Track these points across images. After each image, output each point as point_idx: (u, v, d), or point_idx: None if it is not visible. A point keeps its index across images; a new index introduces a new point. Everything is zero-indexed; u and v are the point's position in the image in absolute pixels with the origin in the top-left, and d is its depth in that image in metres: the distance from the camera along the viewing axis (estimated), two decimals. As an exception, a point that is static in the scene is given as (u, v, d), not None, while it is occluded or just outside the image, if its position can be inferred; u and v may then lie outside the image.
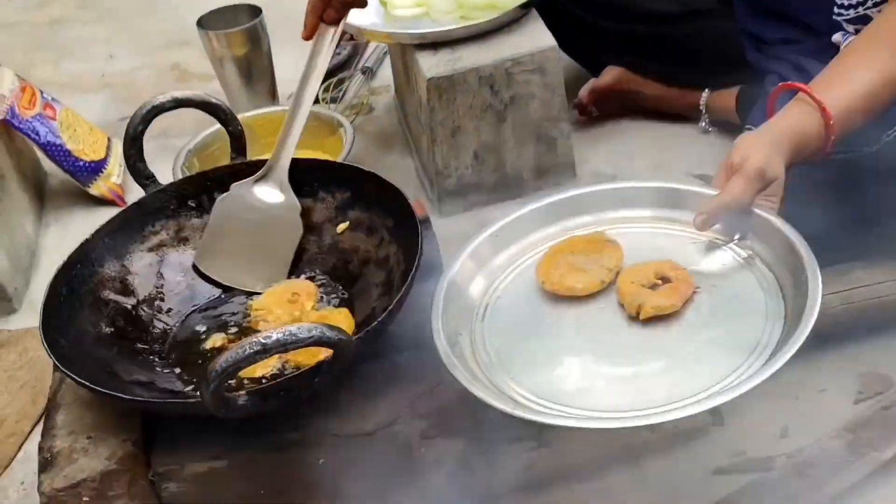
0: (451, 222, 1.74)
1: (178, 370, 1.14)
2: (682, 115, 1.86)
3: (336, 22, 1.28)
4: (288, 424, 1.07)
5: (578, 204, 1.19)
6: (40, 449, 1.07)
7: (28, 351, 1.59)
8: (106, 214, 1.97)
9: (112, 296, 1.19)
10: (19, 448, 1.40)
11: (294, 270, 1.27)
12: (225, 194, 1.23)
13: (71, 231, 1.92)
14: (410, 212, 1.15)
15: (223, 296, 1.25)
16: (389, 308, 1.02)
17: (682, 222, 1.14)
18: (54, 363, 1.02)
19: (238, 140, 1.31)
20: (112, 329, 1.16)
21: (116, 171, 1.98)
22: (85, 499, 1.03)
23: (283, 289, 1.20)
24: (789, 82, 1.20)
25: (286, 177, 1.23)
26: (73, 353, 1.08)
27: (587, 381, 0.98)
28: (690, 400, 0.91)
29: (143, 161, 1.28)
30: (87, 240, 1.21)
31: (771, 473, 1.11)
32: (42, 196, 2.01)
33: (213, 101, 1.29)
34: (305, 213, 1.29)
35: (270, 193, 1.25)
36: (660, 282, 1.06)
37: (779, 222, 1.06)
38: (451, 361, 0.97)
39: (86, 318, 1.15)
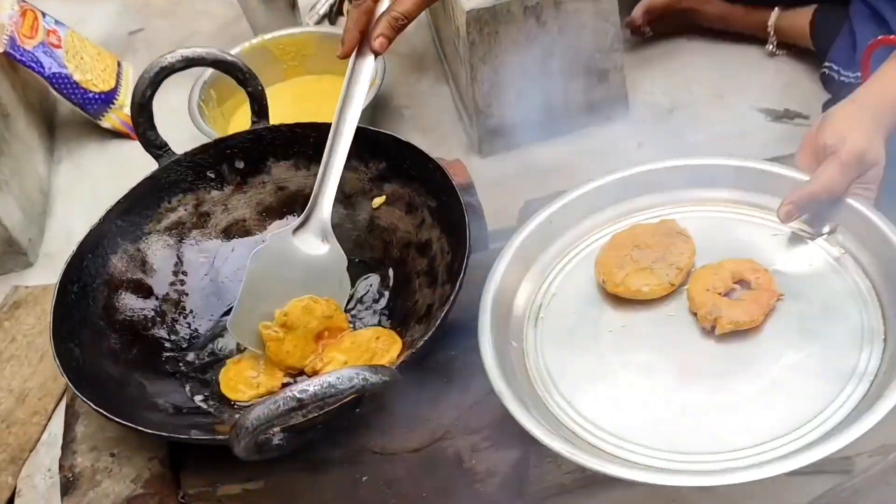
0: (493, 163, 1.60)
1: (205, 391, 1.03)
2: (747, 37, 1.67)
3: (382, 49, 1.00)
4: (326, 443, 0.97)
5: (644, 182, 1.05)
6: (61, 467, 0.99)
7: (46, 314, 1.49)
8: (119, 148, 1.87)
9: (128, 290, 1.08)
10: (43, 429, 1.33)
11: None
12: (259, 247, 1.03)
13: (84, 168, 1.81)
14: (455, 195, 1.02)
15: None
16: (432, 332, 0.90)
17: (763, 208, 1.00)
18: (67, 384, 0.92)
19: (259, 101, 1.16)
20: (131, 332, 1.06)
21: (128, 100, 1.84)
22: (111, 524, 0.96)
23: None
24: (891, 36, 1.03)
25: (329, 224, 1.04)
26: (88, 364, 0.98)
27: (656, 409, 0.86)
28: (781, 446, 0.80)
29: (154, 129, 1.14)
30: (97, 224, 1.09)
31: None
32: (52, 128, 1.88)
33: (229, 58, 1.14)
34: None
35: (312, 244, 1.05)
36: (737, 287, 0.93)
37: (877, 217, 0.92)
38: (501, 389, 0.86)
39: (101, 319, 1.04)
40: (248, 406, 0.78)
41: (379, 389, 0.78)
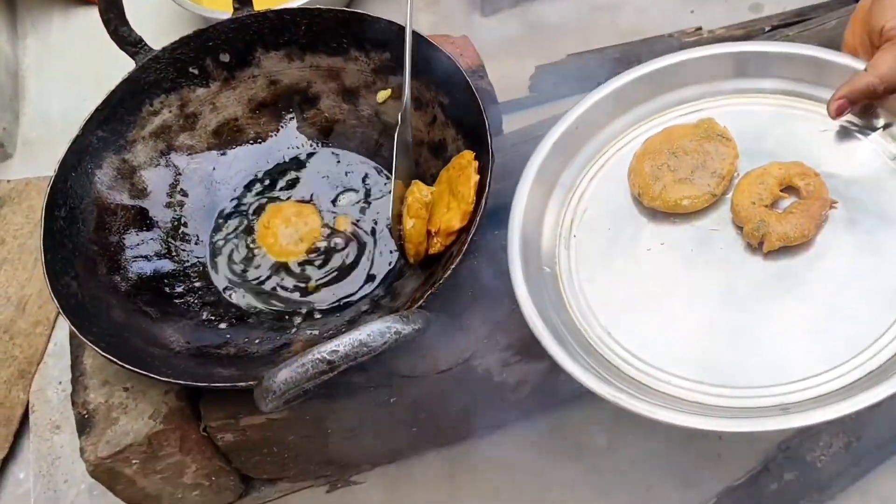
0: (497, 23, 1.48)
1: (217, 312, 0.97)
2: None
3: None
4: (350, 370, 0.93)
5: (679, 73, 0.95)
6: (74, 403, 0.95)
7: (35, 210, 1.42)
8: (87, 17, 1.72)
9: (121, 203, 1.00)
10: (48, 339, 1.28)
11: (325, 143, 1.07)
12: (399, 131, 0.95)
13: (52, 43, 1.67)
14: (471, 92, 0.92)
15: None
16: (453, 266, 0.83)
17: (810, 98, 0.91)
18: (70, 329, 0.86)
19: (240, -16, 1.03)
20: (129, 250, 0.98)
21: (88, -38, 1.67)
22: (135, 461, 0.93)
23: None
24: None
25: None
26: (89, 299, 0.92)
27: (702, 339, 0.80)
28: (837, 378, 0.74)
29: (127, 23, 1.02)
30: (76, 138, 0.99)
31: None
32: (12, 1, 1.72)
33: (202, -62, 1.00)
34: (335, 75, 1.06)
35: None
36: (785, 195, 0.85)
37: None
38: (537, 325, 0.80)
39: (94, 244, 0.97)
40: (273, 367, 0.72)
41: (413, 338, 0.72)
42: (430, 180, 0.99)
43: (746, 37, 1.32)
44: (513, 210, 0.87)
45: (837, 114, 0.85)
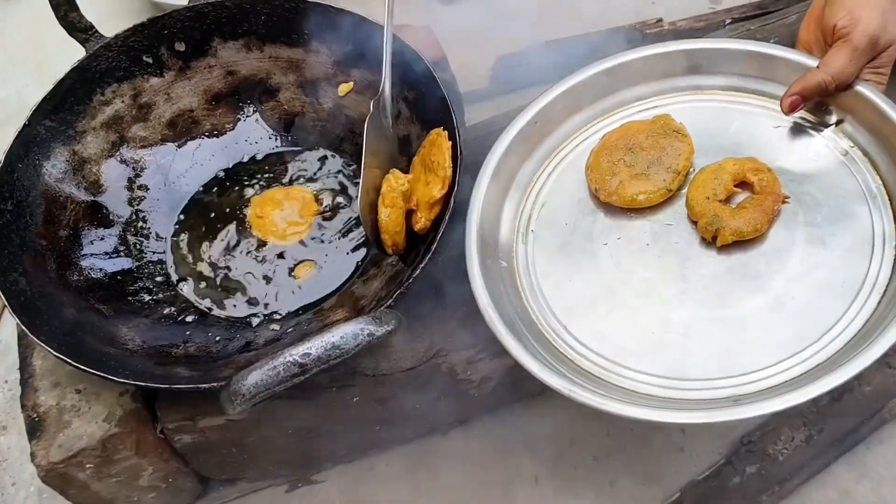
0: (457, 10, 1.45)
1: (176, 305, 0.94)
2: None
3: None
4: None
5: (635, 70, 0.95)
6: (23, 406, 0.91)
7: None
8: (28, 2, 1.65)
9: (71, 197, 0.96)
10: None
11: (287, 137, 1.04)
12: (368, 119, 0.90)
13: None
14: (437, 87, 0.91)
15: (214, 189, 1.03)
16: (424, 263, 0.81)
17: (764, 95, 0.92)
18: (18, 325, 0.83)
19: (194, -31, 1.00)
20: (81, 246, 0.95)
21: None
22: (88, 466, 0.90)
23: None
24: None
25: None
26: (38, 296, 0.88)
27: (657, 332, 0.81)
28: (788, 369, 0.75)
29: (76, 8, 0.98)
30: (23, 127, 0.95)
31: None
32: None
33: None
34: (295, 66, 1.03)
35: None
36: (738, 190, 0.85)
37: (889, 107, 0.84)
38: (493, 320, 0.80)
39: (42, 238, 0.93)
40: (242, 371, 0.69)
41: (384, 339, 0.71)
42: (394, 175, 0.97)
43: (707, 29, 1.32)
44: (471, 204, 0.87)
45: (790, 110, 0.86)
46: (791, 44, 0.99)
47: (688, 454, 1.00)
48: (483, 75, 1.34)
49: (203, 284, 0.96)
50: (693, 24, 1.35)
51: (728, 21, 1.33)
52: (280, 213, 0.98)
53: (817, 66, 0.85)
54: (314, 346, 0.67)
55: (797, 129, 0.89)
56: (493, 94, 1.32)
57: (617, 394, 0.76)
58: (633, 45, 1.30)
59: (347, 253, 0.96)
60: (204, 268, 0.97)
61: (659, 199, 0.87)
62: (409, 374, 0.92)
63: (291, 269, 0.95)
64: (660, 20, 1.36)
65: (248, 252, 0.97)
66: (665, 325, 0.80)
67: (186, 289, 0.96)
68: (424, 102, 0.93)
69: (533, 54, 1.33)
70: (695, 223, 0.85)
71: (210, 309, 0.94)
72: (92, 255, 0.96)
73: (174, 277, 0.96)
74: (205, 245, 0.99)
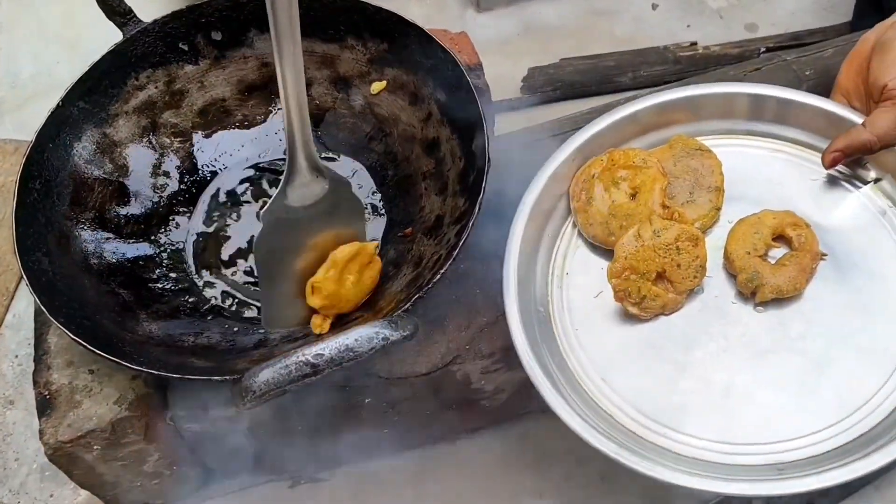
0: (492, 19, 1.46)
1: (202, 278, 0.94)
2: None
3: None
4: (328, 369, 0.90)
5: (681, 109, 0.92)
6: (35, 382, 0.91)
7: (3, 173, 1.37)
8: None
9: (98, 178, 0.96)
10: (6, 310, 1.24)
11: (315, 134, 1.03)
12: (258, 235, 0.85)
13: (27, 1, 1.60)
14: (470, 92, 0.90)
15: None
16: (442, 271, 0.81)
17: (801, 145, 0.90)
18: (36, 305, 0.83)
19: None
20: (104, 229, 0.95)
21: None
22: (96, 447, 0.90)
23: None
24: None
25: (315, 158, 0.82)
26: (60, 278, 0.88)
27: (698, 389, 0.78)
28: (833, 436, 0.74)
29: (116, -10, 0.98)
30: (56, 107, 0.95)
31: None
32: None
33: None
34: (329, 62, 1.03)
35: (308, 190, 0.84)
36: (777, 245, 0.84)
37: None
38: (536, 375, 0.77)
39: (67, 220, 0.93)
40: (253, 366, 0.69)
41: (401, 344, 0.70)
42: (421, 178, 0.97)
43: (741, 56, 1.32)
44: (508, 247, 0.84)
45: (831, 165, 0.85)
46: (826, 79, 0.97)
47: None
48: (513, 85, 1.34)
49: (222, 276, 0.95)
50: (728, 50, 1.34)
51: (763, 49, 1.32)
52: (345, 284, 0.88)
53: (863, 124, 0.83)
54: (328, 348, 0.66)
55: (834, 183, 0.87)
56: (523, 104, 1.32)
57: (656, 455, 0.74)
58: (665, 67, 1.30)
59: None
60: (224, 260, 0.97)
61: (712, 221, 0.86)
62: (424, 379, 0.91)
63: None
64: (694, 43, 1.36)
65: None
66: (705, 382, 0.79)
67: (205, 279, 0.95)
68: (456, 107, 0.92)
69: (566, 68, 1.33)
70: (732, 276, 0.83)
71: (227, 302, 0.94)
72: (116, 238, 0.96)
73: (193, 268, 0.96)
74: (226, 236, 0.98)
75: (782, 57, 1.14)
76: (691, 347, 0.80)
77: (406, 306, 0.80)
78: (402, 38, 0.97)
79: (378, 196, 1.00)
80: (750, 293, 0.82)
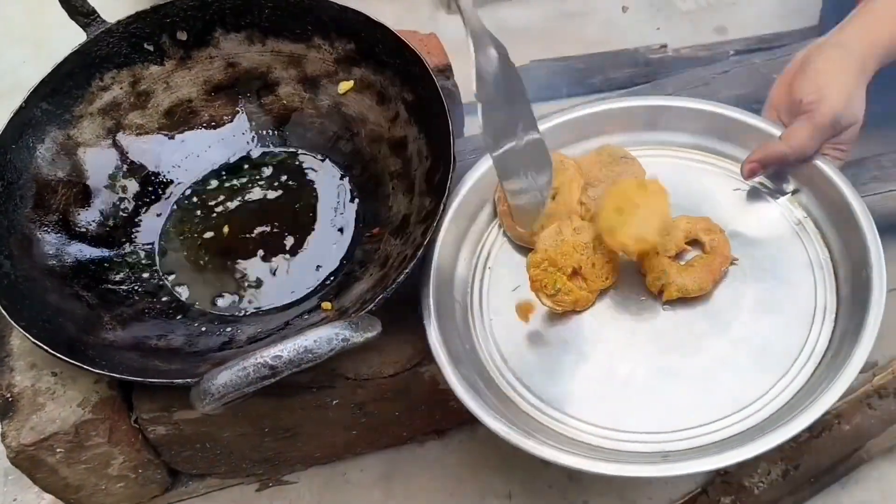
0: (460, 21, 1.45)
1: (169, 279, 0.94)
2: None
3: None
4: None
5: (601, 122, 0.95)
6: (-3, 386, 0.90)
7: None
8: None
9: (62, 181, 0.96)
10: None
11: (282, 134, 1.03)
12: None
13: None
14: (436, 92, 0.90)
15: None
16: (406, 270, 0.81)
17: (726, 157, 0.93)
18: (-1, 310, 0.82)
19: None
20: (67, 231, 0.94)
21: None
22: (59, 450, 0.89)
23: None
24: None
25: None
26: (21, 280, 0.87)
27: (599, 379, 0.81)
28: (719, 430, 0.77)
29: (80, -10, 0.97)
30: (19, 109, 0.94)
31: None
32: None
33: None
34: (297, 61, 1.03)
35: None
36: (689, 248, 0.86)
37: (843, 184, 0.85)
38: (450, 373, 0.79)
39: (31, 222, 0.92)
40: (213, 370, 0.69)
41: (361, 345, 0.70)
42: (388, 178, 0.97)
43: (711, 58, 1.33)
44: (434, 246, 0.87)
45: (749, 176, 0.88)
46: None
47: (664, 480, 1.00)
48: (483, 86, 1.33)
49: (189, 277, 0.95)
50: (697, 53, 1.35)
51: (732, 52, 1.34)
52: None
53: (780, 137, 0.86)
54: (286, 349, 0.66)
55: (755, 194, 0.90)
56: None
57: (546, 436, 0.77)
58: (635, 69, 1.31)
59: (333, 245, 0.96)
60: (191, 260, 0.96)
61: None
62: (391, 380, 0.91)
63: (275, 270, 0.94)
64: (664, 46, 1.36)
65: (237, 246, 0.97)
66: (607, 374, 0.81)
67: (171, 281, 0.95)
68: (423, 107, 0.93)
69: (535, 70, 1.34)
70: (644, 276, 0.85)
71: (194, 302, 0.93)
72: (79, 241, 0.95)
73: (160, 269, 0.96)
74: (194, 237, 0.98)
75: (751, 60, 1.15)
76: (598, 341, 0.83)
77: (370, 307, 0.79)
78: (369, 38, 0.97)
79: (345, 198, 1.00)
80: (657, 291, 0.84)
